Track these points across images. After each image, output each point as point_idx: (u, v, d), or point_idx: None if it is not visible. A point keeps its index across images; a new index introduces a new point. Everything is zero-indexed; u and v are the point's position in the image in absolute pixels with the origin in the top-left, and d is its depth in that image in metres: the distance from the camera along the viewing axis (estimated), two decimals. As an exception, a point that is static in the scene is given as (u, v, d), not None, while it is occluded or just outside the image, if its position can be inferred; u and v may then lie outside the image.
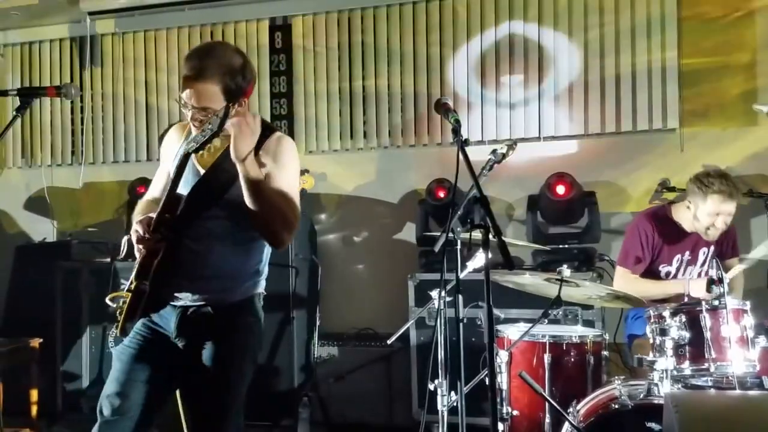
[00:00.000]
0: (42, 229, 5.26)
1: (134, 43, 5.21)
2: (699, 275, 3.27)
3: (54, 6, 5.06)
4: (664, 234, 3.27)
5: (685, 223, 3.25)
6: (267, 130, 2.16)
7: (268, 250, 2.23)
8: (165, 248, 2.05)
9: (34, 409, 3.99)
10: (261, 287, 2.23)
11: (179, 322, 2.13)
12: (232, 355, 2.11)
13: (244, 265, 2.17)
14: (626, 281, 3.24)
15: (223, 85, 2.06)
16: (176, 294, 2.13)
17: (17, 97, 2.34)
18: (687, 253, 3.28)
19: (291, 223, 2.09)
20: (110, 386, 2.14)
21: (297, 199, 2.15)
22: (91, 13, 5.14)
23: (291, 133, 4.86)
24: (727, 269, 3.32)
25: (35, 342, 4.03)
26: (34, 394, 3.99)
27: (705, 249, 3.28)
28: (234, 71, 2.08)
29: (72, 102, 5.24)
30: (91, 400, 4.31)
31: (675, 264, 3.29)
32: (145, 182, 4.61)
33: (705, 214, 3.14)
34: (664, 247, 3.27)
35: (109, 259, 4.44)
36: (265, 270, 2.25)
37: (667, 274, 3.30)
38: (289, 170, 2.15)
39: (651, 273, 3.29)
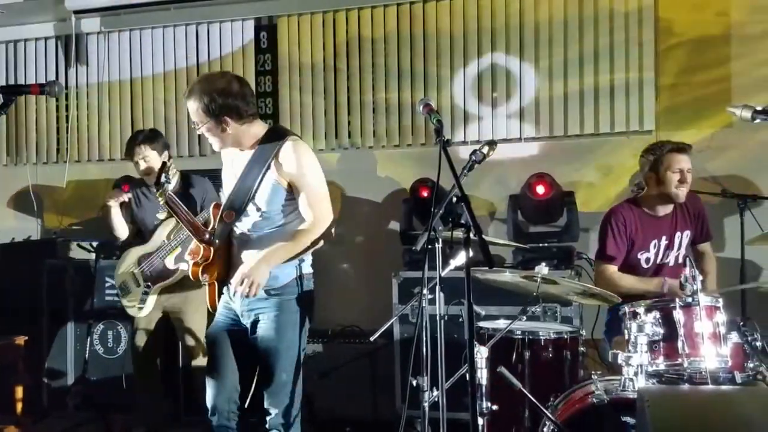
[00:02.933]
0: (27, 227, 5.25)
1: (120, 42, 5.22)
2: (677, 259, 3.34)
3: (39, 4, 5.06)
4: (637, 222, 3.36)
5: (655, 209, 3.36)
6: (278, 136, 2.59)
7: None
8: (213, 252, 2.59)
9: (19, 406, 4.00)
10: (302, 270, 2.63)
11: (243, 306, 2.62)
12: (279, 327, 2.57)
13: None
14: (608, 277, 3.32)
15: (202, 105, 2.51)
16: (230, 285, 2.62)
17: (0, 95, 2.36)
18: (664, 238, 3.36)
19: (310, 241, 2.56)
20: (219, 365, 2.66)
21: (321, 198, 2.58)
22: (76, 12, 5.14)
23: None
24: (701, 254, 3.43)
25: (20, 339, 4.05)
26: (20, 391, 4.01)
27: (680, 233, 3.37)
28: (212, 92, 2.49)
29: (57, 100, 5.25)
30: (76, 396, 4.35)
31: (653, 249, 3.36)
32: (130, 180, 4.62)
33: (669, 173, 3.27)
34: (639, 235, 3.35)
35: (93, 257, 4.44)
36: (303, 256, 2.62)
37: (647, 260, 3.37)
38: (311, 175, 2.56)
39: (631, 261, 3.36)
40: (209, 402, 2.65)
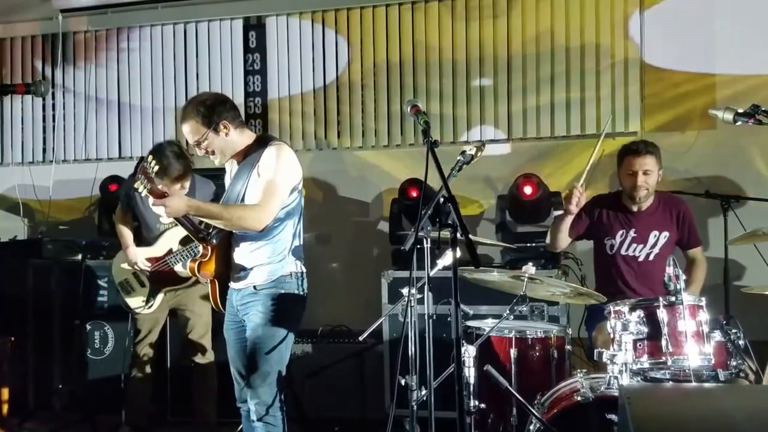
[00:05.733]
0: (13, 227, 5.21)
1: (107, 41, 5.20)
2: (648, 256, 3.41)
3: (26, 3, 5.03)
4: (609, 210, 3.49)
5: (630, 203, 3.45)
6: (264, 142, 2.73)
7: (291, 242, 2.74)
8: (211, 250, 2.73)
9: (5, 408, 3.98)
10: (291, 268, 2.74)
11: (236, 300, 2.78)
12: (262, 320, 2.69)
13: (266, 256, 2.70)
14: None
15: (199, 117, 2.66)
16: (229, 282, 2.80)
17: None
18: (633, 230, 3.43)
19: (252, 222, 2.62)
20: (231, 361, 2.84)
21: (273, 199, 2.62)
22: (63, 11, 5.12)
23: (265, 132, 4.91)
24: (691, 260, 3.47)
25: (6, 340, 4.02)
26: (5, 393, 3.98)
27: (656, 232, 3.42)
28: (204, 104, 2.67)
29: (44, 99, 5.21)
30: (63, 397, 4.33)
31: (618, 238, 3.45)
32: (117, 180, 4.61)
33: (624, 177, 3.39)
34: (608, 222, 3.47)
35: (80, 257, 4.42)
36: (291, 256, 2.74)
37: (611, 246, 3.46)
38: (277, 171, 2.63)
39: (598, 243, 3.51)
40: (237, 394, 2.87)
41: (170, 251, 3.64)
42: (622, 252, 3.43)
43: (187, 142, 2.81)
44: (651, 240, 3.42)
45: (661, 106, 4.38)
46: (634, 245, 3.43)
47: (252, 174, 2.67)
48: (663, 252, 3.38)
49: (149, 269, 3.64)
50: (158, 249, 3.67)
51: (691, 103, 4.32)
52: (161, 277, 3.66)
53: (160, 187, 2.56)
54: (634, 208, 3.45)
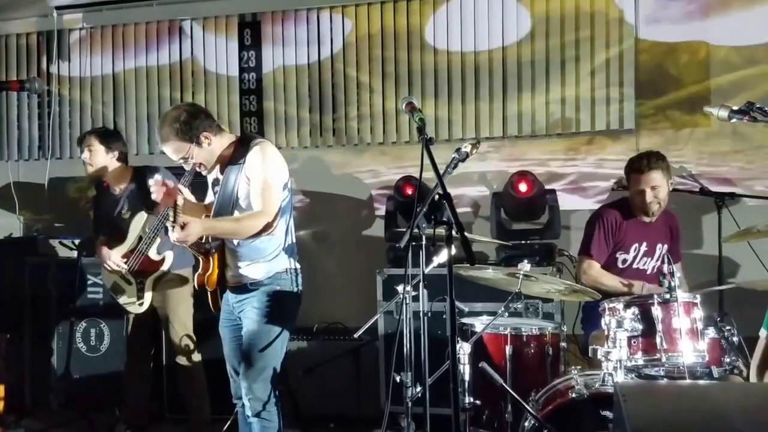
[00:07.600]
0: (8, 225, 5.21)
1: (102, 38, 5.19)
2: (654, 269, 3.40)
3: (21, 0, 5.01)
4: (623, 223, 3.44)
5: (639, 215, 3.42)
6: (247, 142, 2.74)
7: (285, 239, 2.77)
8: (212, 261, 2.77)
9: (1, 405, 3.98)
10: (285, 265, 2.78)
11: (232, 298, 2.83)
12: (257, 317, 2.73)
13: (261, 255, 2.74)
14: (592, 273, 3.39)
15: (178, 135, 2.66)
16: (227, 281, 2.83)
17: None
18: (645, 243, 3.42)
19: (254, 227, 2.66)
20: (227, 358, 2.92)
21: (271, 199, 2.67)
22: (58, 8, 5.11)
23: (261, 130, 4.90)
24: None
25: (2, 337, 4.02)
26: (2, 390, 3.99)
27: (660, 245, 3.43)
28: (178, 121, 2.66)
29: (39, 96, 5.20)
30: (59, 395, 4.33)
31: (632, 252, 3.43)
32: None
33: (634, 193, 3.36)
34: (625, 236, 3.43)
35: (75, 255, 4.42)
36: (285, 253, 2.78)
37: (624, 261, 3.44)
38: (266, 169, 2.67)
39: (608, 259, 3.44)
40: (232, 391, 2.92)
41: (140, 239, 3.66)
42: (634, 266, 3.42)
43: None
44: (657, 253, 3.43)
45: (656, 103, 4.38)
46: (645, 259, 3.43)
47: (240, 176, 2.69)
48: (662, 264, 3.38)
49: (127, 267, 3.67)
50: (129, 242, 3.70)
51: (685, 100, 4.32)
52: (142, 269, 3.66)
53: (179, 219, 2.57)
54: (647, 220, 3.43)
